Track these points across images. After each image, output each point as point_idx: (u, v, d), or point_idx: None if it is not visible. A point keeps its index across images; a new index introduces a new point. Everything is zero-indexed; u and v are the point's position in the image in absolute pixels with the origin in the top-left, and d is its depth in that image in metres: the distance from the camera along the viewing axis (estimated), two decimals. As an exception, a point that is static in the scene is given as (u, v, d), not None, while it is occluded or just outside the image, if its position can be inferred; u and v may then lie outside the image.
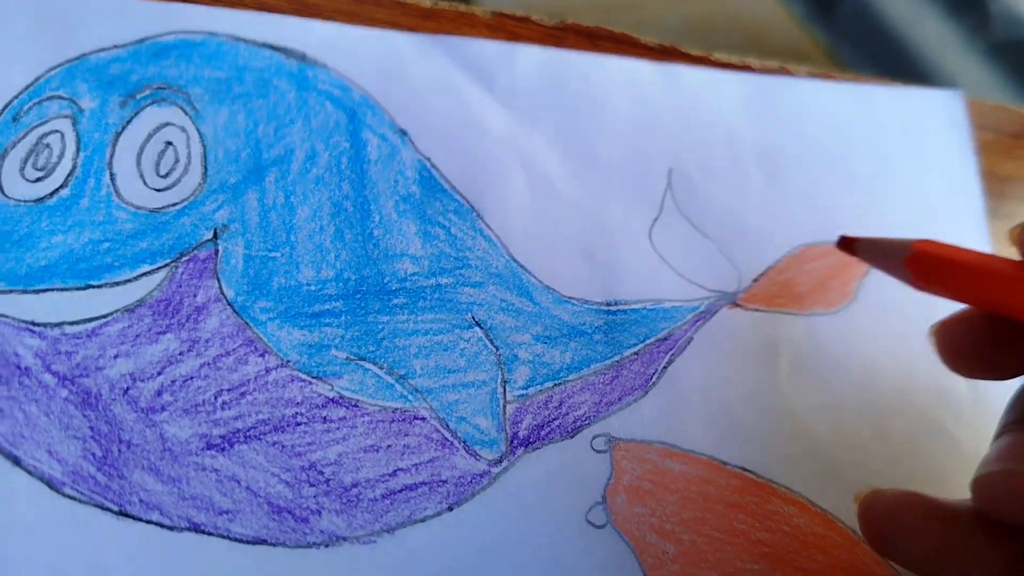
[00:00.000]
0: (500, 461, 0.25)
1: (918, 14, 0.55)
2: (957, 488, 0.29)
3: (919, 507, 0.23)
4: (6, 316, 0.23)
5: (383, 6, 0.31)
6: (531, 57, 0.31)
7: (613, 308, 0.28)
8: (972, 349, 0.25)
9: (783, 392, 0.29)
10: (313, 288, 0.25)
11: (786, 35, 0.54)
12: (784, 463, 0.28)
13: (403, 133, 0.28)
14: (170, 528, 0.22)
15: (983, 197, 0.35)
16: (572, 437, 0.26)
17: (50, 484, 0.22)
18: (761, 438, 0.28)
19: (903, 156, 0.35)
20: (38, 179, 0.24)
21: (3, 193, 0.24)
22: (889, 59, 0.54)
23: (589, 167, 0.30)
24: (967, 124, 0.36)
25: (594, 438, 0.26)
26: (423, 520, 0.24)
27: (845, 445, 0.29)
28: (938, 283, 0.25)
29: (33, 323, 0.23)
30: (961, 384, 0.31)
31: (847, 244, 0.28)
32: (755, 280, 0.30)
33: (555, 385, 0.27)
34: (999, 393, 0.32)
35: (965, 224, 0.34)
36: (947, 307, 0.33)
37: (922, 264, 0.25)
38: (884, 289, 0.32)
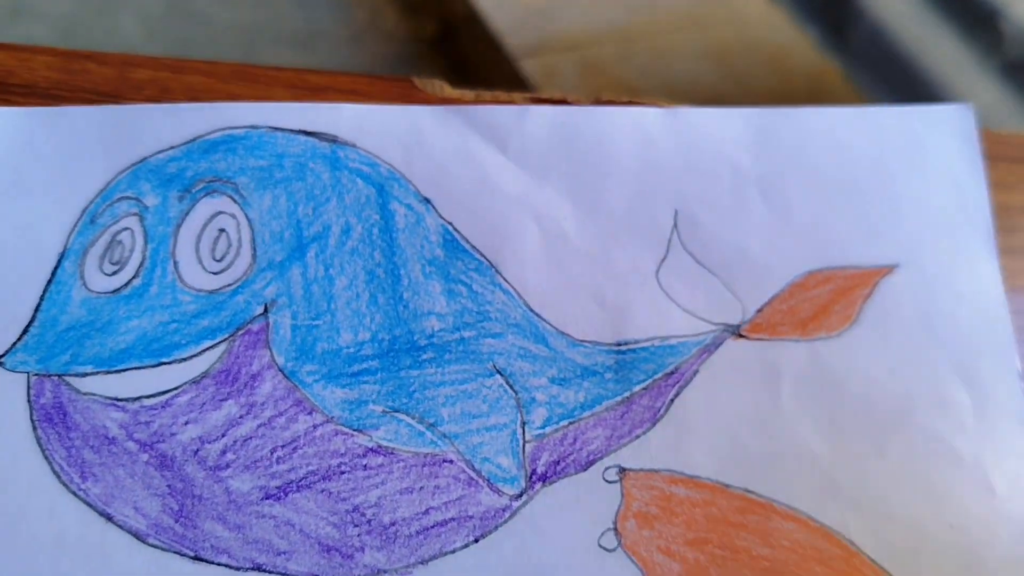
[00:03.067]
0: (520, 496, 0.29)
1: (932, 36, 0.55)
2: (955, 495, 0.32)
3: None
4: (94, 394, 0.27)
5: (432, 103, 0.34)
6: (541, 116, 0.34)
7: (623, 347, 0.31)
8: None
9: (785, 415, 0.31)
10: (352, 350, 0.29)
11: (805, 59, 0.54)
12: (785, 482, 0.30)
13: (427, 201, 0.32)
14: (237, 568, 0.26)
15: (991, 210, 0.36)
16: (586, 470, 0.29)
17: (137, 536, 0.26)
18: (763, 460, 0.31)
19: (909, 175, 0.36)
20: (114, 272, 0.28)
21: (86, 287, 0.28)
22: (904, 82, 0.55)
23: (598, 215, 0.33)
24: (976, 135, 0.37)
25: (605, 470, 0.29)
26: (453, 552, 0.28)
27: (844, 462, 0.31)
28: None
29: (117, 399, 0.27)
30: (963, 397, 0.33)
31: None
32: (759, 310, 0.33)
33: (570, 423, 0.30)
34: (1000, 402, 0.34)
35: (973, 238, 0.36)
36: (947, 325, 0.35)
37: None
38: (886, 310, 0.34)
